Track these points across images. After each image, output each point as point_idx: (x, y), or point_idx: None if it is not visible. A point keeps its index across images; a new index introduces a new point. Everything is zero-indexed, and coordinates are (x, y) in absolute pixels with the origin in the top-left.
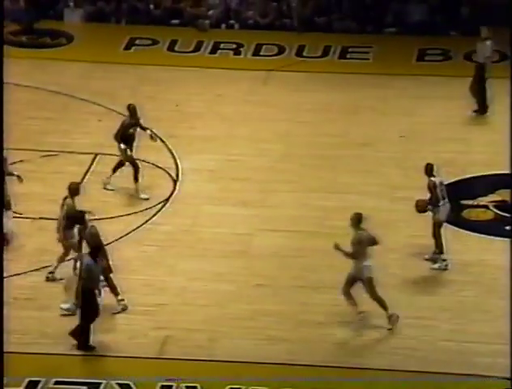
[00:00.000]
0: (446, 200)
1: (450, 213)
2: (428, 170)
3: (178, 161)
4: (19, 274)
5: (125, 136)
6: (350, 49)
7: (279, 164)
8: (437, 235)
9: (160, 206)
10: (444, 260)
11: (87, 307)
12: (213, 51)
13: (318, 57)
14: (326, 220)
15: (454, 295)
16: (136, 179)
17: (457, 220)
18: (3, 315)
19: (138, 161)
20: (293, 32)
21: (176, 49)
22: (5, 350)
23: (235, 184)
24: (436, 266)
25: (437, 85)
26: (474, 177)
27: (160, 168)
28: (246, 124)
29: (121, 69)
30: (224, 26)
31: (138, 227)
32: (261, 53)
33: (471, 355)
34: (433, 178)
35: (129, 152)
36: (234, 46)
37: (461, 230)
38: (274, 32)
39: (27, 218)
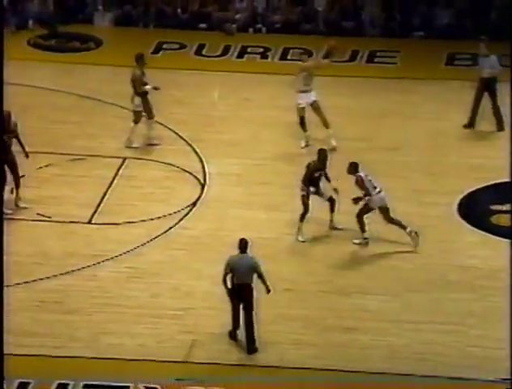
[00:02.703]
0: (378, 189)
1: (385, 200)
2: (353, 168)
3: (205, 165)
4: (47, 277)
5: (310, 179)
6: (378, 54)
7: (305, 168)
8: (360, 216)
9: (187, 210)
10: (365, 238)
11: (244, 302)
12: (240, 55)
13: (346, 61)
14: (353, 224)
15: (482, 300)
16: (332, 210)
17: (486, 225)
18: (3, 315)
19: (308, 206)
20: (321, 36)
21: (203, 53)
22: (35, 353)
23: (261, 188)
24: (357, 241)
25: (465, 89)
26: (503, 183)
27: (188, 172)
28: (272, 128)
29: (148, 73)
30: (251, 30)
31: (166, 231)
32: (288, 57)
33: (498, 361)
34: (358, 174)
35: (309, 198)
36: (261, 50)
37: (490, 235)
38: (301, 36)
39: (56, 221)
